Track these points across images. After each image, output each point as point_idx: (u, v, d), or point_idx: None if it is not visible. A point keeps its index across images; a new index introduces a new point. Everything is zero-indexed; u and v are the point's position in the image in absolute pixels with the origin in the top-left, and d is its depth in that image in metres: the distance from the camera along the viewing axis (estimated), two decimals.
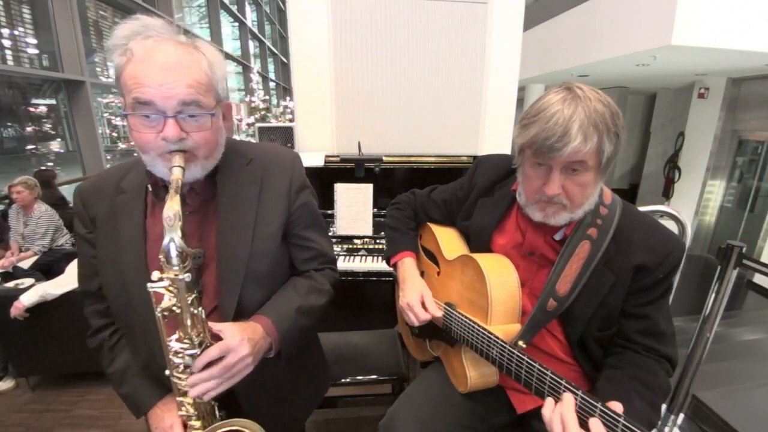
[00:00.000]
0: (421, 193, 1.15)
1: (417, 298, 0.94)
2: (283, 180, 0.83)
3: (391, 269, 1.12)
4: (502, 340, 0.77)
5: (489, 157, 1.03)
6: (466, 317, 0.85)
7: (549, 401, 0.66)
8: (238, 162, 0.81)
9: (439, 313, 0.92)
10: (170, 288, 0.63)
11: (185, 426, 0.76)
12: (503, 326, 0.82)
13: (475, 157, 2.17)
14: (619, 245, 0.78)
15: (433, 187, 1.14)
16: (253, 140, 5.47)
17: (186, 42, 0.68)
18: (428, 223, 1.11)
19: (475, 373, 0.88)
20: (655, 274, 0.77)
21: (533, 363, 0.70)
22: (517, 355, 0.73)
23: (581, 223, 0.80)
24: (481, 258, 0.87)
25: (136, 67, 0.63)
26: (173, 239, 0.60)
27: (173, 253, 0.61)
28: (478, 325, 0.81)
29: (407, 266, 1.04)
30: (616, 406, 0.59)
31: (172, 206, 0.60)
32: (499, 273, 0.84)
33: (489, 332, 0.79)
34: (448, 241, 1.04)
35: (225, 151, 0.77)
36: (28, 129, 4.54)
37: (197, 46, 0.68)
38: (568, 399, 0.62)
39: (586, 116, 0.68)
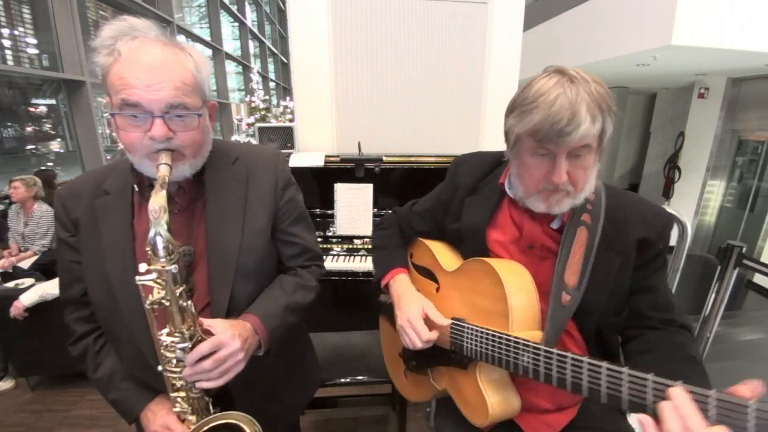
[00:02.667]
0: (402, 209, 1.10)
1: (418, 312, 0.85)
2: (269, 177, 0.85)
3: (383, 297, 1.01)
4: (533, 342, 0.69)
5: (467, 156, 0.99)
6: (482, 328, 0.77)
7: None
8: (224, 161, 0.82)
9: (446, 322, 0.84)
10: (158, 280, 0.64)
11: (182, 422, 0.76)
12: (526, 332, 0.74)
13: None
14: (616, 225, 0.78)
15: (413, 201, 1.08)
16: (253, 140, 5.47)
17: (172, 43, 0.68)
18: (419, 239, 1.04)
19: (496, 399, 0.77)
20: (655, 246, 0.77)
21: (580, 358, 0.62)
22: (557, 354, 0.65)
23: (575, 209, 0.78)
24: (493, 261, 0.81)
25: (122, 67, 0.64)
26: (159, 232, 0.61)
27: (160, 245, 0.62)
28: (500, 333, 0.73)
29: (400, 283, 0.96)
30: (742, 390, 0.49)
31: (158, 200, 0.61)
32: (515, 276, 0.77)
33: (516, 337, 0.71)
34: (446, 252, 0.97)
35: (211, 151, 0.78)
36: (28, 129, 4.54)
37: (183, 48, 0.69)
38: (681, 396, 0.51)
39: (590, 98, 0.66)
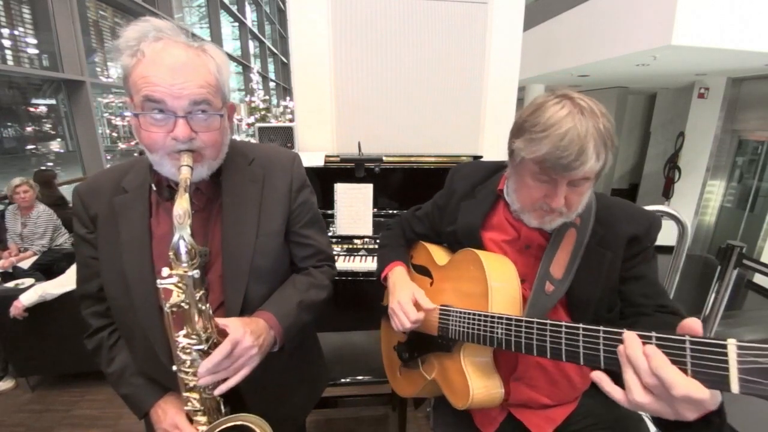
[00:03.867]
0: (406, 213, 1.17)
1: (408, 296, 0.91)
2: (284, 179, 0.86)
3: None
4: (506, 315, 0.73)
5: (463, 165, 1.04)
6: (465, 310, 0.83)
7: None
8: (241, 162, 0.83)
9: (432, 306, 0.89)
10: (179, 284, 0.64)
11: (191, 421, 0.77)
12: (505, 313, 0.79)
13: (474, 157, 2.17)
14: (605, 224, 0.82)
15: (417, 206, 1.15)
16: (253, 140, 5.48)
17: (195, 45, 0.69)
18: (420, 242, 1.11)
19: (479, 381, 0.81)
20: (644, 242, 0.82)
21: (544, 321, 0.65)
22: (525, 322, 0.68)
23: None
24: (478, 251, 0.86)
25: (146, 67, 0.64)
26: (183, 237, 0.62)
27: (183, 250, 0.62)
28: (479, 312, 0.79)
29: (397, 274, 1.01)
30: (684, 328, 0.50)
31: (182, 204, 0.62)
32: (497, 263, 0.83)
33: (490, 314, 0.76)
34: (440, 251, 1.03)
35: (228, 151, 0.79)
36: (28, 129, 4.54)
37: (205, 49, 0.70)
38: (632, 339, 0.52)
39: (597, 134, 0.68)
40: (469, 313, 0.81)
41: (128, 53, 0.65)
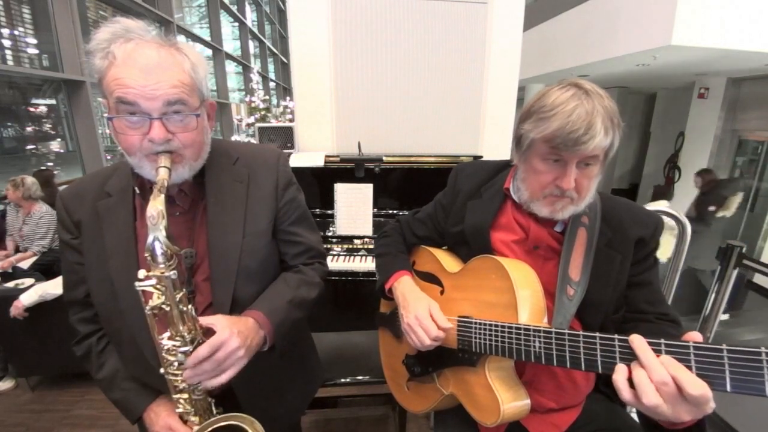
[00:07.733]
0: (405, 217, 1.14)
1: (425, 311, 0.85)
2: (270, 177, 0.85)
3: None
4: (543, 326, 0.69)
5: (467, 164, 1.03)
6: (491, 322, 0.77)
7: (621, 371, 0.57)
8: (225, 161, 0.82)
9: (450, 325, 0.84)
10: (158, 286, 0.63)
11: (184, 422, 0.76)
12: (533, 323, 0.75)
13: (474, 157, 2.17)
14: (612, 225, 0.83)
15: (416, 210, 1.12)
16: (253, 140, 5.47)
17: (168, 44, 0.68)
18: (422, 246, 1.07)
19: (507, 395, 0.76)
20: (650, 244, 0.83)
21: (592, 334, 0.62)
22: (568, 334, 0.64)
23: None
24: (498, 257, 0.82)
25: (118, 70, 0.63)
26: (158, 237, 0.61)
27: (158, 251, 0.61)
28: (510, 324, 0.73)
29: (405, 283, 0.96)
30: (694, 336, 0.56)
31: (156, 205, 0.60)
32: (521, 271, 0.79)
33: (525, 325, 0.71)
34: (448, 257, 0.99)
35: (211, 151, 0.78)
36: (28, 129, 4.54)
37: (179, 48, 0.69)
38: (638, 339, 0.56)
39: (604, 111, 0.70)
40: (497, 325, 0.75)
41: (100, 56, 0.64)
